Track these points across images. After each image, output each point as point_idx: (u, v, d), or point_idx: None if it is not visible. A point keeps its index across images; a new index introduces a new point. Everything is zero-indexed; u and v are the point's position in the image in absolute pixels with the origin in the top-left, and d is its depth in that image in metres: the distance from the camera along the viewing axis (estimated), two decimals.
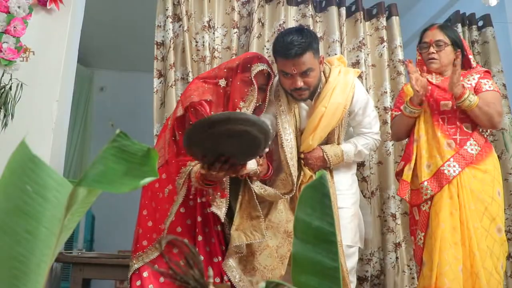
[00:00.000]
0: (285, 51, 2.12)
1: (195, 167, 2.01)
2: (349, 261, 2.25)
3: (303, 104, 2.33)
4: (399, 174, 2.43)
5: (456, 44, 2.37)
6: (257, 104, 2.21)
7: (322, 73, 2.29)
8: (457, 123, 2.27)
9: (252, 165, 2.05)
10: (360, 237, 2.38)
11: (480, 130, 2.32)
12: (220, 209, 2.02)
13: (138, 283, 2.04)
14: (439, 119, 2.29)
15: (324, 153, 2.30)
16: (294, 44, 2.11)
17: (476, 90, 2.30)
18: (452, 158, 2.21)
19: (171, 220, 2.03)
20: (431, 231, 2.18)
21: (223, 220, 2.07)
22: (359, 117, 2.38)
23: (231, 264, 2.08)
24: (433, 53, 2.35)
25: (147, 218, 2.13)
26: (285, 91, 2.28)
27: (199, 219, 2.11)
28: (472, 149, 2.23)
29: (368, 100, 2.39)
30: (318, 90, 2.29)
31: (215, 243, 2.12)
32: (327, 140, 2.36)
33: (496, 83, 3.23)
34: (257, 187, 2.16)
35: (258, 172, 2.16)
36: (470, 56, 2.43)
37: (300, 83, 2.17)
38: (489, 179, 2.22)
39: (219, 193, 2.04)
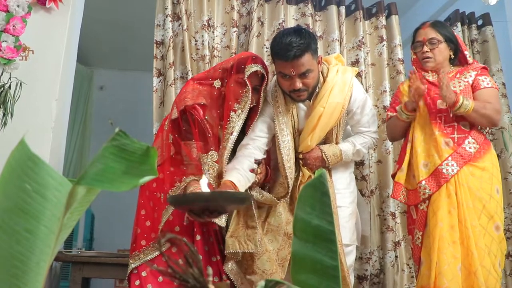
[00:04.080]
0: (283, 53, 2.10)
1: (190, 184, 2.01)
2: (347, 260, 2.25)
3: (301, 105, 2.32)
4: (394, 176, 2.41)
5: (450, 40, 2.35)
6: (252, 105, 2.21)
7: (320, 73, 2.28)
8: (454, 122, 2.25)
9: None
10: (358, 236, 2.39)
11: (479, 127, 2.29)
12: (220, 220, 2.04)
13: (137, 282, 2.04)
14: (437, 117, 2.27)
15: (323, 153, 2.29)
16: (292, 46, 2.09)
17: (474, 88, 2.29)
18: (451, 157, 2.19)
19: (162, 226, 2.04)
20: (429, 230, 2.17)
21: (223, 226, 2.09)
22: (357, 116, 2.37)
23: (233, 268, 2.09)
24: (427, 51, 2.33)
25: (145, 218, 2.13)
26: (283, 92, 2.28)
27: None
28: (470, 147, 2.21)
29: (366, 99, 2.39)
30: (316, 90, 2.28)
31: (213, 242, 2.12)
32: (325, 140, 2.35)
33: (495, 82, 3.26)
34: (255, 192, 2.16)
35: (257, 180, 2.18)
36: (466, 52, 2.41)
37: (299, 84, 2.16)
38: (487, 177, 2.20)
39: None
